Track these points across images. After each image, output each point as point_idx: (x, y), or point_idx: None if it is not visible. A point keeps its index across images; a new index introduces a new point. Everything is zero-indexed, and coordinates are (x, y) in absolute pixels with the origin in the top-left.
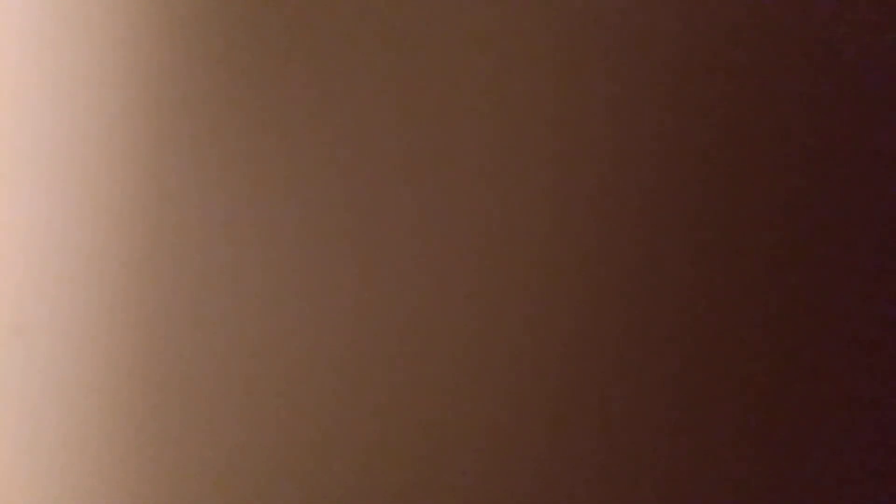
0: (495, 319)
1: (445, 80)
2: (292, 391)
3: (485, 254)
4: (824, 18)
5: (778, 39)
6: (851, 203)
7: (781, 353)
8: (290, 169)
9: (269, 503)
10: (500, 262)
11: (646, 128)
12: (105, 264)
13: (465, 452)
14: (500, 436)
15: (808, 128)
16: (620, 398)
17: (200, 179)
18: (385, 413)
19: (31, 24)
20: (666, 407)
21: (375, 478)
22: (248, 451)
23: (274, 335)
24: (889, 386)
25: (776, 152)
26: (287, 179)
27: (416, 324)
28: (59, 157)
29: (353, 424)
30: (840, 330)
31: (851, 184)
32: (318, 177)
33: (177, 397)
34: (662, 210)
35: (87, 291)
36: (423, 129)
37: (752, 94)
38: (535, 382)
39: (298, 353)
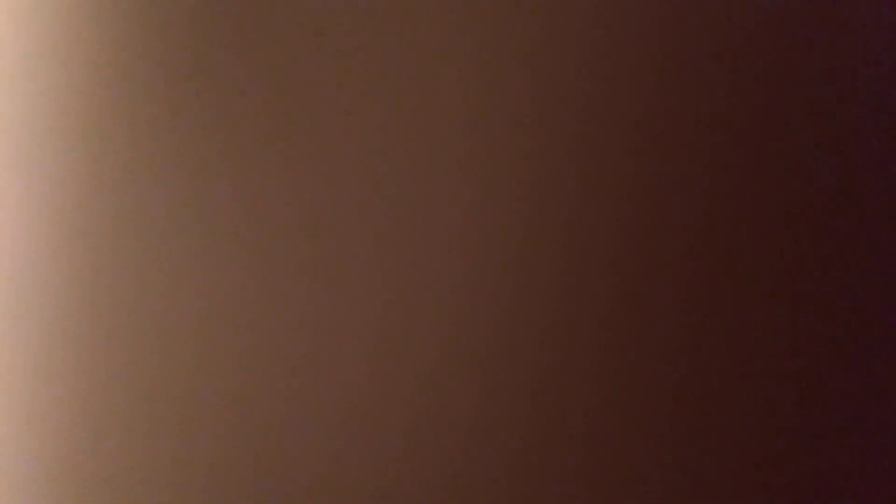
0: (474, 319)
1: (421, 76)
2: (278, 390)
3: (463, 253)
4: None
5: (771, 35)
6: (850, 202)
7: (770, 351)
8: (265, 171)
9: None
10: (479, 262)
11: (628, 128)
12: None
13: (444, 453)
14: (479, 437)
15: (803, 128)
16: (602, 398)
17: (181, 181)
18: (361, 413)
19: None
20: (651, 406)
21: (349, 480)
22: (245, 453)
23: (263, 335)
24: (889, 386)
25: (757, 152)
26: (264, 181)
27: (394, 324)
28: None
29: (327, 425)
30: (832, 331)
31: (850, 183)
32: (293, 178)
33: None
34: (644, 209)
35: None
36: (398, 126)
37: (735, 97)
38: (512, 383)
39: (283, 350)
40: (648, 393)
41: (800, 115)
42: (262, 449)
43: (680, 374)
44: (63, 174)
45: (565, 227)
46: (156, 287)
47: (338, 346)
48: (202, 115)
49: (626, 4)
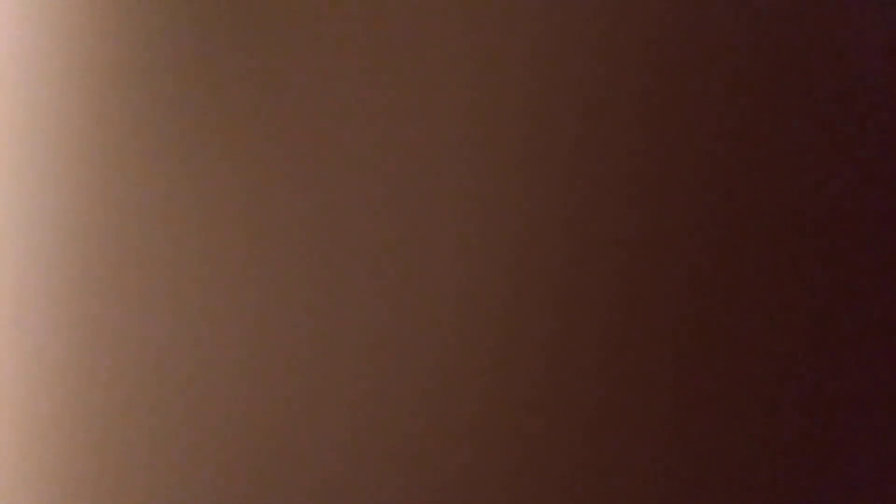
0: (477, 319)
1: (424, 75)
2: (280, 391)
3: (465, 253)
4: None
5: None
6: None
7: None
8: (268, 169)
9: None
10: (481, 262)
11: (629, 128)
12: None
13: (447, 453)
14: (482, 436)
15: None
16: (603, 399)
17: (181, 178)
18: (364, 412)
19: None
20: (652, 406)
21: (352, 482)
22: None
23: (266, 334)
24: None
25: (758, 152)
26: (266, 180)
27: (397, 323)
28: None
29: (330, 425)
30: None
31: (850, 184)
32: (296, 177)
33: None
34: (645, 209)
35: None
36: (400, 125)
37: (736, 97)
38: (515, 383)
39: (285, 351)
40: (649, 394)
41: (800, 114)
42: (264, 449)
43: (681, 374)
44: (64, 173)
45: (567, 227)
46: (158, 286)
47: (340, 345)
48: (205, 114)
49: (627, 4)
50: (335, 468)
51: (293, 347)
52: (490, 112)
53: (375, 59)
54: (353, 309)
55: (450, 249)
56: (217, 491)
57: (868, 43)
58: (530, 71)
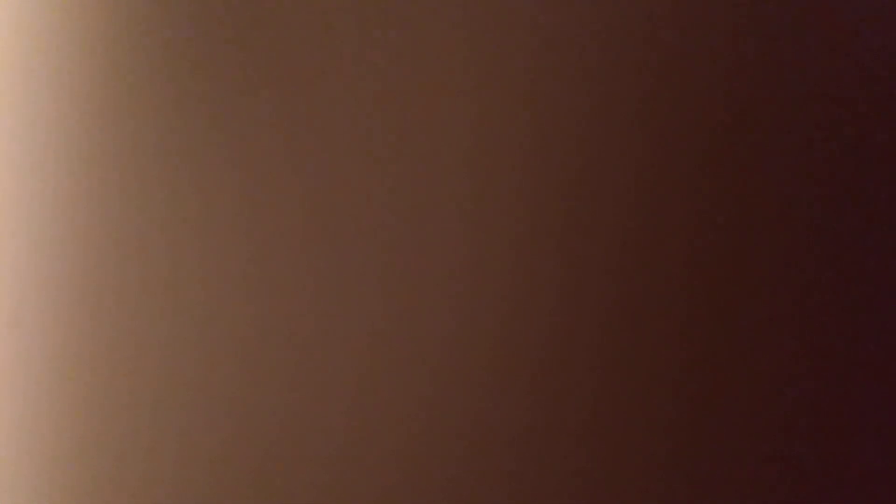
0: (477, 319)
1: (425, 76)
2: (280, 390)
3: (466, 253)
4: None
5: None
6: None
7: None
8: (268, 170)
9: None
10: (480, 264)
11: (628, 128)
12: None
13: (445, 453)
14: (480, 436)
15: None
16: (602, 398)
17: (184, 181)
18: (363, 412)
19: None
20: (651, 406)
21: (352, 483)
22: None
23: (266, 334)
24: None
25: (758, 152)
26: (266, 180)
27: (397, 324)
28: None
29: (329, 425)
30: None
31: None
32: (296, 177)
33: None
34: (644, 209)
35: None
36: (400, 126)
37: (735, 98)
38: (514, 383)
39: (285, 351)
40: (648, 393)
41: (800, 115)
42: (264, 448)
43: (680, 373)
44: (66, 173)
45: (567, 228)
46: (158, 286)
47: (340, 345)
48: (206, 114)
49: (626, 5)
50: (334, 467)
51: (293, 346)
52: (490, 113)
53: (376, 61)
54: (353, 309)
55: (450, 249)
56: (217, 490)
57: (868, 43)
58: (530, 71)
